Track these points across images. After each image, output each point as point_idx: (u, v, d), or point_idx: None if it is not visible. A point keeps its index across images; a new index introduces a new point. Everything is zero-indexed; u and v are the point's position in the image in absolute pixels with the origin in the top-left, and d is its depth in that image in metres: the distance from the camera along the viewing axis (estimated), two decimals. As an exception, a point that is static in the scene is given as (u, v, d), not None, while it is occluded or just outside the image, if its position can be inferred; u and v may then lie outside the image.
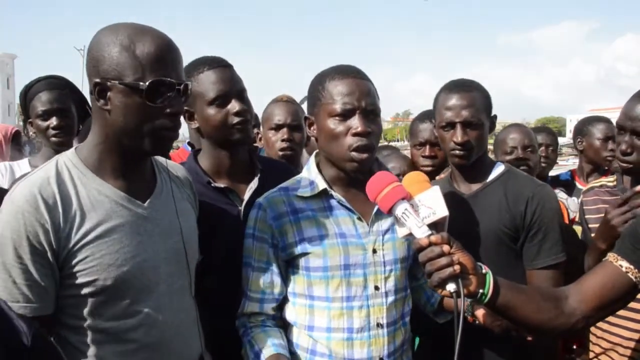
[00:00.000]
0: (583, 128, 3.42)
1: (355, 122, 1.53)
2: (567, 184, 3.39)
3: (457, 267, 1.22)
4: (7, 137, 3.17)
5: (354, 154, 1.53)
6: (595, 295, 1.35)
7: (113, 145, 1.32)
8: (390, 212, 1.35)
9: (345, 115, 1.53)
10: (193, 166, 1.82)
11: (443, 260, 1.22)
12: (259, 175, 1.84)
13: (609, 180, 2.10)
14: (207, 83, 1.74)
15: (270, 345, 1.51)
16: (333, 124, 1.54)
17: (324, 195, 1.60)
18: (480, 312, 1.52)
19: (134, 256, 1.31)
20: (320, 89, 1.59)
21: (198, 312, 1.51)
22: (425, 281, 1.78)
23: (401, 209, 1.32)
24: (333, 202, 1.60)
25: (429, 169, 2.45)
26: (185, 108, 1.80)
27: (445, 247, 1.23)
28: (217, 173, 1.83)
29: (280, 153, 2.44)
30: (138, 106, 1.25)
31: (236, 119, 1.74)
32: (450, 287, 1.22)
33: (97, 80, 1.26)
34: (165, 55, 1.27)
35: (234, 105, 1.74)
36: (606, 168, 3.35)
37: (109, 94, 1.26)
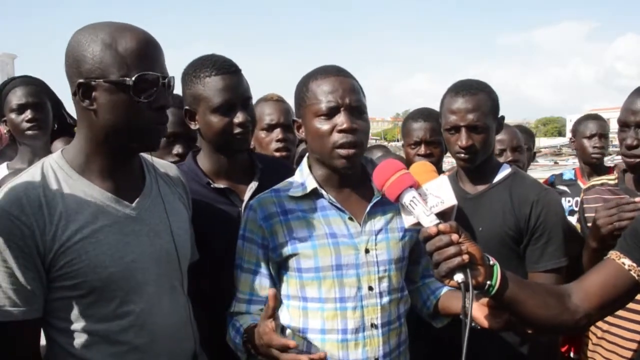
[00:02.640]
0: (575, 128, 3.50)
1: (341, 119, 1.52)
2: (569, 183, 3.41)
3: (465, 257, 1.18)
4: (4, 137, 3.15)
5: (340, 150, 1.52)
6: (597, 293, 1.34)
7: (100, 146, 1.31)
8: (397, 200, 1.32)
9: (330, 113, 1.53)
10: (193, 167, 1.82)
11: (451, 249, 1.18)
12: (258, 175, 1.84)
13: (610, 179, 2.07)
14: (213, 89, 1.73)
15: (250, 320, 1.51)
16: (319, 123, 1.54)
17: (314, 195, 1.59)
18: (480, 314, 1.50)
19: (122, 257, 1.29)
20: (305, 91, 1.59)
21: (192, 312, 1.50)
22: (422, 283, 1.77)
23: (409, 197, 1.29)
24: (324, 202, 1.59)
25: None
26: (187, 107, 1.80)
27: (454, 236, 1.20)
28: (216, 174, 1.82)
29: (277, 154, 2.41)
30: (125, 103, 1.25)
31: (239, 129, 1.74)
32: (458, 277, 1.19)
33: (81, 80, 1.25)
34: (147, 50, 1.28)
35: (239, 116, 1.74)
36: (609, 166, 3.39)
37: (93, 93, 1.25)
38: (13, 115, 2.37)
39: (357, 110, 1.55)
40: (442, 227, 1.21)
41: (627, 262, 1.34)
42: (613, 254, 1.38)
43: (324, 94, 1.54)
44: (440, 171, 2.48)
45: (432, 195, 1.31)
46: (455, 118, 1.88)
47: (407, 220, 1.32)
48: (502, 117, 2.00)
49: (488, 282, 1.24)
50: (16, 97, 2.36)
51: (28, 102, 2.35)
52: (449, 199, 1.30)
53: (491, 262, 1.27)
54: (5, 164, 2.53)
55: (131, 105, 1.25)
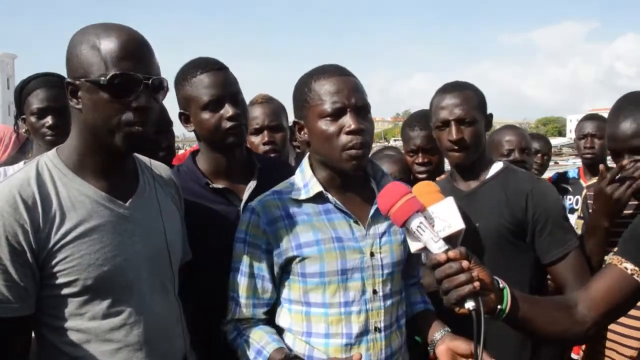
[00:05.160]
0: (575, 128, 3.55)
1: (348, 120, 1.48)
2: (572, 182, 3.46)
3: (477, 284, 1.15)
4: (10, 140, 3.12)
5: (349, 152, 1.48)
6: (602, 300, 1.33)
7: (90, 145, 1.32)
8: (403, 225, 1.26)
9: (336, 114, 1.48)
10: (191, 167, 1.82)
11: (462, 277, 1.15)
12: (257, 175, 1.83)
13: None
14: (200, 87, 1.74)
15: (272, 341, 1.50)
16: (325, 125, 1.50)
17: (319, 198, 1.56)
18: (441, 350, 1.47)
19: (115, 256, 1.30)
20: (307, 91, 1.54)
21: (182, 311, 1.50)
22: (413, 281, 1.77)
23: (416, 222, 1.23)
24: (329, 206, 1.56)
25: (424, 175, 2.44)
26: (181, 111, 1.81)
27: (465, 263, 1.16)
28: (215, 174, 1.83)
29: None
30: (103, 102, 1.25)
31: (229, 124, 1.74)
32: (469, 304, 1.14)
33: (69, 80, 1.28)
34: (130, 49, 1.26)
35: (227, 110, 1.73)
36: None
37: (79, 92, 1.27)
38: (33, 119, 2.26)
39: (363, 110, 1.51)
40: (451, 254, 1.17)
41: (629, 266, 1.32)
42: (615, 259, 1.36)
43: (328, 94, 1.49)
44: (441, 173, 2.49)
45: (438, 219, 1.26)
46: (445, 113, 1.93)
47: (413, 246, 1.27)
48: (490, 115, 2.02)
49: (499, 307, 1.22)
50: (37, 100, 2.24)
51: (50, 107, 2.23)
52: (457, 223, 1.25)
53: (501, 285, 1.25)
54: (22, 163, 2.48)
55: (108, 104, 1.25)
